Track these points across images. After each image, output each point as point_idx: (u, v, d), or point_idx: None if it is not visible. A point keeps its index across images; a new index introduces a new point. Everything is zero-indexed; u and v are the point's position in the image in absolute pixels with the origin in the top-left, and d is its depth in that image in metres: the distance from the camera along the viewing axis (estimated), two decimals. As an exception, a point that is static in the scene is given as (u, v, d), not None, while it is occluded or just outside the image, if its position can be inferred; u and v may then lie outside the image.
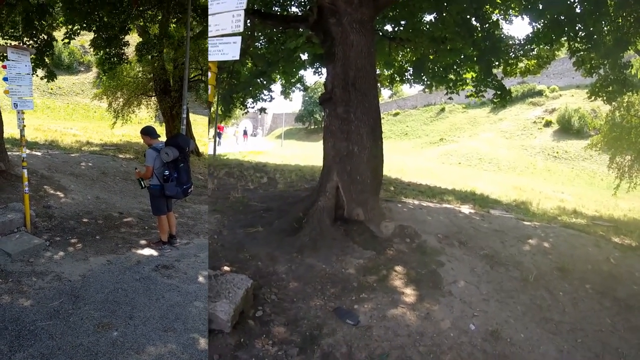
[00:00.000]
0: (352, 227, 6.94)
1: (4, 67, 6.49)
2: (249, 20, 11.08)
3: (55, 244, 6.37)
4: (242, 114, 28.99)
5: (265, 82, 16.93)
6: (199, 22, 15.41)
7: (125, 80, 19.39)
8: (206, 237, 7.67)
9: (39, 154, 11.92)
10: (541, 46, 12.04)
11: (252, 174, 13.57)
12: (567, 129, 34.61)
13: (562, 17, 9.88)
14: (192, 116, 22.48)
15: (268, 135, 69.48)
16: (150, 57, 15.69)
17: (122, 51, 14.70)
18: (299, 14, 12.76)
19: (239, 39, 3.73)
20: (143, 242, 7.01)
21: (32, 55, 9.02)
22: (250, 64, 16.87)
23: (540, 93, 42.05)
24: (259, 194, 10.38)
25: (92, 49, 15.11)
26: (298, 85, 18.65)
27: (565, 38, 10.68)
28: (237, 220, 7.80)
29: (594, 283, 6.05)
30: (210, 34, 3.85)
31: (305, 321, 4.58)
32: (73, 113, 32.29)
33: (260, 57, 15.19)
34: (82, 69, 39.27)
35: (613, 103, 14.23)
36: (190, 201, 10.25)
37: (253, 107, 19.87)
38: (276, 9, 12.89)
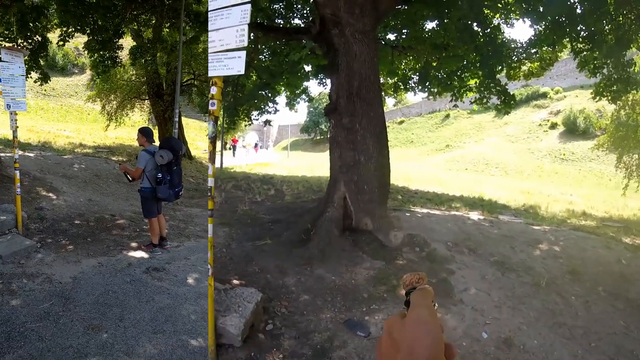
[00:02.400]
0: (361, 237, 6.93)
1: None
2: (252, 34, 11.14)
3: (46, 246, 6.34)
4: (245, 126, 29.18)
5: (269, 94, 17.00)
6: (191, 27, 15.50)
7: (119, 83, 19.61)
8: (197, 240, 7.74)
9: (31, 155, 11.91)
10: (543, 48, 12.03)
11: (259, 186, 13.60)
12: (573, 130, 34.47)
13: (563, 18, 9.88)
14: (184, 120, 22.60)
15: (274, 147, 69.61)
16: (143, 60, 15.80)
17: (116, 54, 14.77)
18: (302, 25, 12.83)
19: (243, 53, 3.74)
20: (134, 244, 7.00)
21: (26, 57, 8.97)
22: (254, 76, 16.95)
23: (544, 95, 41.95)
24: (267, 206, 10.40)
25: (86, 52, 15.15)
26: (303, 96, 18.71)
27: (567, 39, 10.67)
28: (245, 233, 7.82)
29: (606, 285, 6.01)
30: (213, 49, 3.87)
31: (315, 334, 4.56)
32: (66, 115, 32.33)
33: (265, 70, 15.26)
34: (76, 71, 39.30)
35: (618, 102, 14.15)
36: (182, 204, 10.26)
37: (257, 119, 19.97)
38: (279, 21, 12.96)
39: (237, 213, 9.44)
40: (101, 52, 14.34)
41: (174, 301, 5.06)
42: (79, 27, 12.84)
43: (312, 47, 10.36)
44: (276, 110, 18.26)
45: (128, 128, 22.65)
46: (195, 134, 26.41)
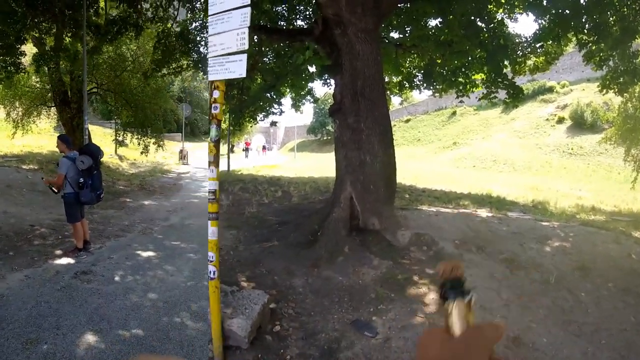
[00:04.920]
0: (368, 237, 6.91)
1: None
2: (255, 37, 11.15)
3: (-36, 267, 6.15)
4: (250, 126, 29.46)
5: (274, 96, 17.03)
6: (91, 38, 15.60)
7: (23, 90, 19.41)
8: (116, 239, 8.10)
9: None
10: (548, 42, 11.95)
11: (266, 188, 13.60)
12: (581, 124, 34.20)
13: (567, 11, 9.81)
14: (89, 126, 22.47)
15: (281, 149, 69.65)
16: (47, 68, 15.87)
17: (19, 60, 14.70)
18: (305, 27, 12.82)
19: (244, 56, 3.74)
20: (59, 251, 7.04)
21: None
22: (259, 79, 16.96)
23: (551, 89, 41.63)
24: (274, 207, 10.39)
25: None
26: (308, 97, 18.69)
27: (572, 32, 10.61)
28: (253, 235, 7.82)
29: (616, 281, 5.94)
30: (214, 53, 3.87)
31: (323, 335, 4.55)
32: (-36, 124, 31.08)
33: (269, 72, 15.28)
34: (-29, 78, 37.90)
35: (625, 94, 14.08)
36: (97, 207, 10.18)
37: (263, 120, 20.05)
38: (282, 23, 12.96)
39: (245, 215, 9.45)
40: (3, 58, 14.25)
41: (106, 299, 5.25)
42: None
43: (315, 48, 10.38)
44: (281, 112, 18.28)
45: (35, 135, 22.30)
46: (100, 139, 25.92)
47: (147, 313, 5.02)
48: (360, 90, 7.27)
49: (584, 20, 10.09)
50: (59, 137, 7.20)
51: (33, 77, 19.55)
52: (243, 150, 45.49)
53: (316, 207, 9.61)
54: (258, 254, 6.83)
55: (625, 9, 9.64)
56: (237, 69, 3.75)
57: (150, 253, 7.47)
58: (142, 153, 22.15)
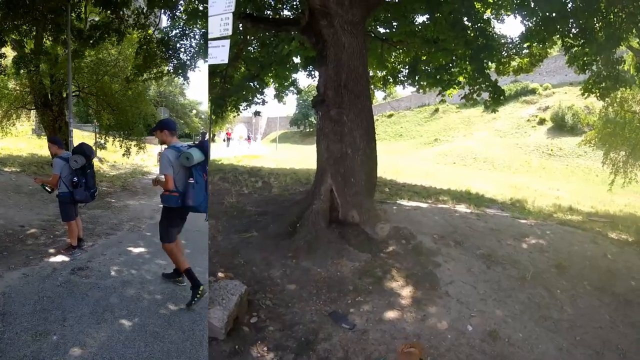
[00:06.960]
0: (347, 230, 6.90)
1: None
2: (240, 25, 11.03)
3: (-41, 270, 6.12)
4: (233, 116, 29.32)
5: (257, 86, 16.90)
6: (73, 41, 15.35)
7: (3, 92, 18.88)
8: (107, 237, 8.27)
9: None
10: (534, 44, 12.04)
11: (246, 179, 13.50)
12: (561, 126, 34.60)
13: (554, 15, 9.89)
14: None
15: (263, 140, 69.30)
16: (27, 71, 15.67)
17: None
18: (291, 17, 12.72)
19: (227, 42, 3.68)
20: (52, 250, 7.11)
21: None
22: (243, 68, 16.79)
23: (533, 91, 42.02)
24: (254, 198, 10.32)
25: None
26: (291, 88, 18.55)
27: (558, 35, 10.69)
28: (232, 226, 7.75)
29: (592, 279, 6.03)
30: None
31: (300, 326, 4.53)
32: (-62, 127, 30.08)
33: (253, 61, 15.16)
34: (-54, 79, 37.05)
35: (606, 99, 14.27)
36: (84, 207, 10.19)
37: (246, 110, 19.91)
38: (268, 12, 12.84)
39: (224, 205, 9.36)
40: None
41: (105, 292, 5.46)
42: None
43: (301, 39, 10.30)
44: (264, 102, 18.18)
45: (14, 138, 21.81)
46: (78, 141, 25.65)
47: (147, 303, 5.21)
48: (345, 83, 7.24)
49: (570, 24, 10.18)
50: (49, 139, 7.41)
51: (12, 80, 19.02)
52: (224, 140, 45.96)
53: (296, 198, 9.56)
54: (236, 244, 6.77)
55: (612, 16, 9.74)
56: (220, 54, 3.70)
57: (142, 249, 7.58)
58: (124, 155, 21.92)
